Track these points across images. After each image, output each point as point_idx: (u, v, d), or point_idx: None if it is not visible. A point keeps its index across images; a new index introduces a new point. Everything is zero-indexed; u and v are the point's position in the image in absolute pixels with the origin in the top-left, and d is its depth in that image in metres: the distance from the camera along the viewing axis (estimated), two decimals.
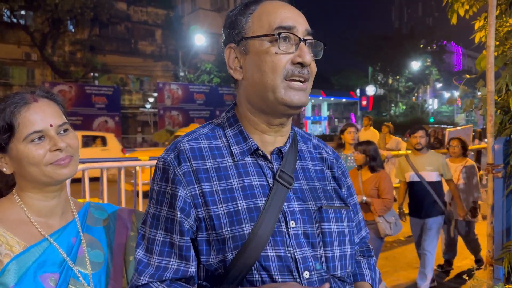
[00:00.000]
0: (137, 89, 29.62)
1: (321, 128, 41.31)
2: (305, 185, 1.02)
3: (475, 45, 4.19)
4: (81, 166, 3.47)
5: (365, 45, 39.66)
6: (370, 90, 34.36)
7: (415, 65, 38.85)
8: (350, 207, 1.08)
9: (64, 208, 1.12)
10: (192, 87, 23.64)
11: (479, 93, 3.81)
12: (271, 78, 0.94)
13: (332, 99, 41.15)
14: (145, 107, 28.17)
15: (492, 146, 3.48)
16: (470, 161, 4.87)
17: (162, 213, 0.95)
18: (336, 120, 48.21)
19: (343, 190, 1.10)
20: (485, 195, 3.85)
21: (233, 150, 0.99)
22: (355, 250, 1.10)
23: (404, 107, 42.05)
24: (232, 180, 0.96)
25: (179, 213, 0.92)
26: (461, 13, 4.80)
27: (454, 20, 5.49)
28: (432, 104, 48.84)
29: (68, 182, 3.54)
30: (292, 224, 0.95)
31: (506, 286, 3.40)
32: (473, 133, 7.69)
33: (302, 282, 0.92)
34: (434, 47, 40.71)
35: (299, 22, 0.96)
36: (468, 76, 4.04)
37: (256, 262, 0.91)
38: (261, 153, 1.00)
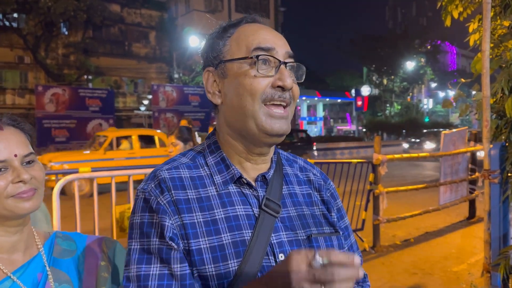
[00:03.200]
0: (131, 92, 29.44)
1: (316, 128, 41.31)
2: (293, 212, 0.96)
3: (470, 48, 4.16)
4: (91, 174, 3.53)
5: (360, 45, 39.64)
6: (365, 90, 34.36)
7: (410, 65, 38.90)
8: (340, 232, 1.03)
9: (27, 242, 1.04)
10: (187, 89, 23.48)
11: (473, 93, 3.78)
12: (250, 102, 0.89)
13: (328, 99, 41.16)
14: (139, 110, 28.02)
15: (488, 151, 3.44)
16: None
17: (153, 245, 0.85)
18: (332, 120, 48.29)
19: (332, 214, 1.04)
20: (482, 197, 3.76)
21: (215, 180, 0.93)
22: None
23: (399, 107, 42.09)
24: (215, 211, 0.89)
25: (171, 242, 0.84)
26: (455, 15, 4.76)
27: (448, 22, 5.46)
28: (427, 103, 48.97)
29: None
30: (281, 257, 0.89)
31: None
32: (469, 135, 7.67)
33: None
34: (429, 47, 40.78)
35: (278, 44, 0.93)
36: (463, 80, 4.01)
37: None
38: (245, 181, 0.94)
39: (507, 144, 3.44)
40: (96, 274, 1.08)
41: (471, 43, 4.09)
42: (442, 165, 6.53)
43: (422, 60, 41.33)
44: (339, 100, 42.45)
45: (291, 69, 0.94)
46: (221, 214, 0.89)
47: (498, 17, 4.09)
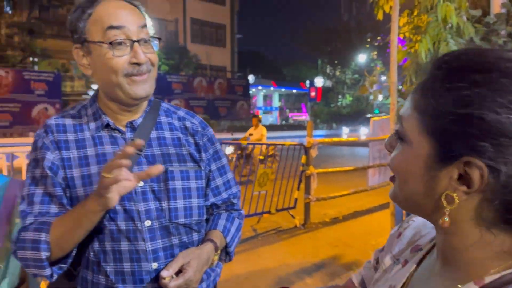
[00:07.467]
0: (79, 75, 28.52)
1: (272, 118, 41.83)
2: (158, 151, 1.20)
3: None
4: None
5: (315, 37, 40.37)
6: (318, 81, 35.10)
7: (362, 58, 40.08)
8: (202, 167, 1.26)
9: None
10: None
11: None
12: (114, 77, 1.10)
13: (283, 89, 41.76)
14: (88, 94, 27.24)
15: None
16: None
17: (37, 174, 1.13)
18: (287, 110, 48.88)
19: (202, 154, 1.26)
20: None
21: (89, 126, 1.18)
22: (208, 203, 1.30)
23: (350, 99, 43.31)
24: (88, 149, 1.15)
25: (48, 171, 1.11)
26: (386, 9, 5.12)
27: (380, 16, 5.84)
28: (378, 96, 50.62)
29: None
30: (140, 183, 1.12)
31: None
32: None
33: (144, 229, 1.12)
34: (380, 40, 42.04)
35: (130, 21, 1.10)
36: (378, 68, 4.36)
37: (106, 215, 1.09)
38: (113, 127, 1.17)
39: None
40: (13, 209, 1.33)
41: (402, 36, 4.45)
42: (370, 149, 7.00)
43: (374, 53, 42.65)
44: (294, 91, 43.10)
45: (146, 41, 1.12)
46: (92, 152, 1.16)
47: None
